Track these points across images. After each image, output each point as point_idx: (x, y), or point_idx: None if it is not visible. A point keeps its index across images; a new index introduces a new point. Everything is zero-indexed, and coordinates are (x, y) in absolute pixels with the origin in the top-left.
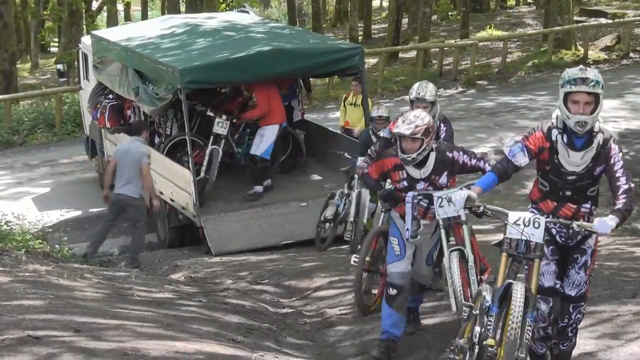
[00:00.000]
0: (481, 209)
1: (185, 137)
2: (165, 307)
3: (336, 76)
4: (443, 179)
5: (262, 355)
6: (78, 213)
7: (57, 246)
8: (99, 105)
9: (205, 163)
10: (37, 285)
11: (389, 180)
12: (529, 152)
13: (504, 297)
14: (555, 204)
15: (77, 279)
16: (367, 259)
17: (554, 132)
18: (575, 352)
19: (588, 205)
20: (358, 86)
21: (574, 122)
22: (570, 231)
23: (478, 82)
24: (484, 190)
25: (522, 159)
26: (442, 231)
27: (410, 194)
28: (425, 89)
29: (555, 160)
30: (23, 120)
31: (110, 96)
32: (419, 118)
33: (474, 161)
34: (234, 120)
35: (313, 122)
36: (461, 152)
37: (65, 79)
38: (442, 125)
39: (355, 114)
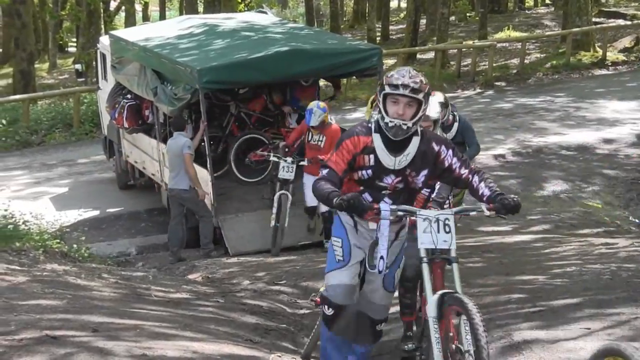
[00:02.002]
0: None
1: (251, 135)
2: (182, 308)
3: (354, 77)
4: (420, 178)
5: (280, 356)
6: (96, 213)
7: (74, 246)
8: (117, 105)
9: (274, 210)
10: (54, 285)
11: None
12: None
13: None
14: None
15: (95, 279)
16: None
17: None
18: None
19: None
20: None
21: None
22: None
23: (496, 83)
24: None
25: None
26: (425, 267)
27: (386, 206)
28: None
29: None
30: (41, 120)
31: (129, 96)
32: (421, 74)
33: (464, 171)
34: (300, 163)
35: None
36: (451, 153)
37: (83, 79)
38: None
39: None
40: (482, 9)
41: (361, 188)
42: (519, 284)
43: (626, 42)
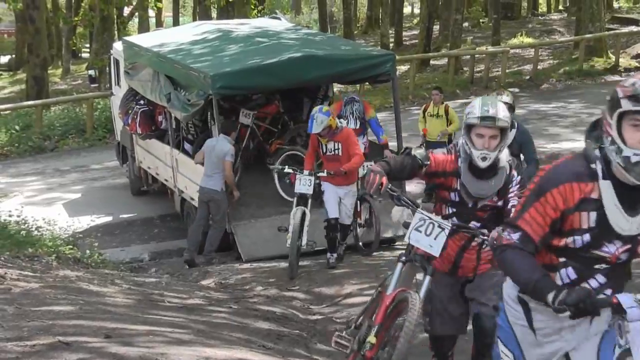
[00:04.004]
0: None
1: (293, 152)
2: (195, 313)
3: (367, 83)
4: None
5: None
6: (109, 219)
7: (87, 252)
8: (130, 111)
9: (290, 228)
10: (67, 290)
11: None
12: None
13: None
14: None
15: (108, 285)
16: (372, 340)
17: None
18: None
19: None
20: (438, 95)
21: None
22: None
23: (509, 89)
24: None
25: None
26: None
27: (629, 299)
28: (495, 107)
29: None
30: (54, 126)
31: (142, 102)
32: (503, 105)
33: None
34: (319, 174)
35: None
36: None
37: (96, 85)
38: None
39: (436, 125)
40: (495, 15)
41: (562, 259)
42: None
43: (639, 48)
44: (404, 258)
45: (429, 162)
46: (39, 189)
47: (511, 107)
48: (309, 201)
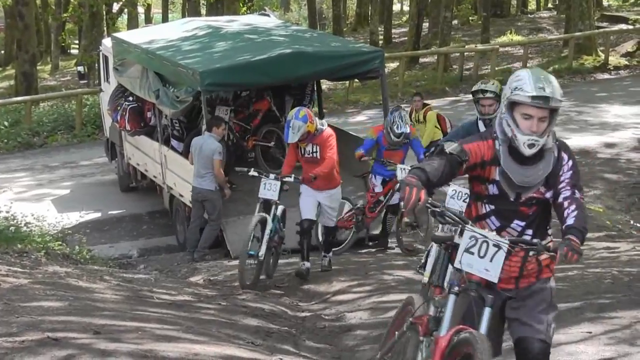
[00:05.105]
0: None
1: None
2: (184, 310)
3: (356, 80)
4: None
5: (281, 359)
6: (97, 215)
7: (76, 248)
8: (119, 108)
9: (250, 236)
10: (56, 287)
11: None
12: None
13: None
14: None
15: (97, 281)
16: None
17: None
18: (594, 357)
19: None
20: (420, 101)
21: None
22: None
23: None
24: None
25: None
26: None
27: None
28: (550, 84)
29: None
30: (43, 122)
31: (131, 98)
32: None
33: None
34: (285, 179)
35: (334, 125)
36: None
37: (85, 81)
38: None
39: (420, 131)
40: (485, 12)
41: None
42: None
43: (628, 46)
44: (456, 289)
45: (467, 158)
46: (28, 185)
47: (497, 97)
48: (273, 207)
